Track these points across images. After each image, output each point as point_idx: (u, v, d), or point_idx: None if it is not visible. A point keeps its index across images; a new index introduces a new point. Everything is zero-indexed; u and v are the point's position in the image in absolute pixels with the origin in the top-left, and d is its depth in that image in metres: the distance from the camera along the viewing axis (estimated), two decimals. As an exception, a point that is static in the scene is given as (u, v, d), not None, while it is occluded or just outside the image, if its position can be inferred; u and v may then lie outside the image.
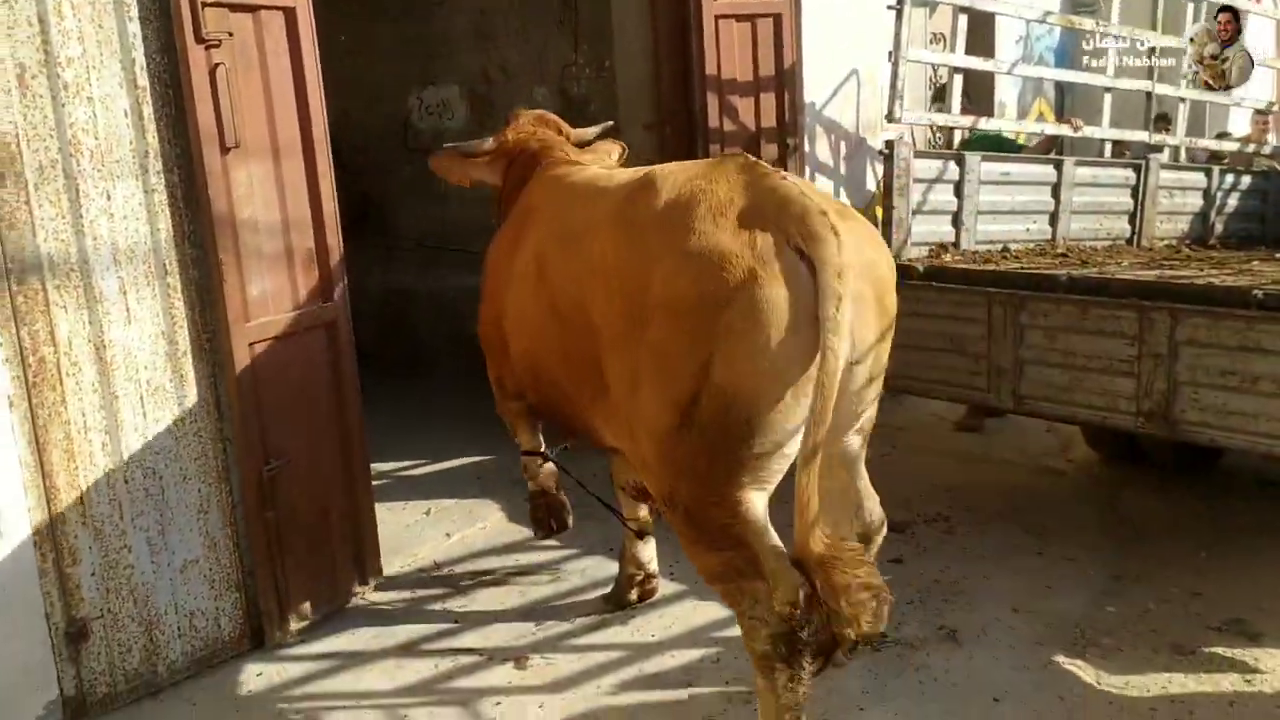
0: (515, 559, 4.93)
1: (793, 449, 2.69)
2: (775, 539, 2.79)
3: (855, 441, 3.12)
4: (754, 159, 2.96)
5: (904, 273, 5.41)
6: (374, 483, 4.75)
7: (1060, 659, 3.87)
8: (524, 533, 4.95)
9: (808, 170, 6.52)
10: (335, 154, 4.32)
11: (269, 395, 4.07)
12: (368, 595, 4.55)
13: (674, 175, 2.96)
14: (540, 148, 4.19)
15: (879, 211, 6.77)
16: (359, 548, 4.54)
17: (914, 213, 5.67)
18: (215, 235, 3.83)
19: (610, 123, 4.70)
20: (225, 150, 3.84)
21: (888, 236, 5.60)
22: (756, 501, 2.79)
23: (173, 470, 3.85)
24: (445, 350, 7.71)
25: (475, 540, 5.16)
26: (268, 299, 4.06)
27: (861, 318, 2.75)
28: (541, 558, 4.84)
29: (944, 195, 5.86)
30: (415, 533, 5.28)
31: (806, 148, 6.52)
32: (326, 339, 4.32)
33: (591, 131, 4.53)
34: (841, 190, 6.98)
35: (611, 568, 4.55)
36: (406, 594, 4.60)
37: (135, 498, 3.74)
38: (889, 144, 5.64)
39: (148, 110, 3.70)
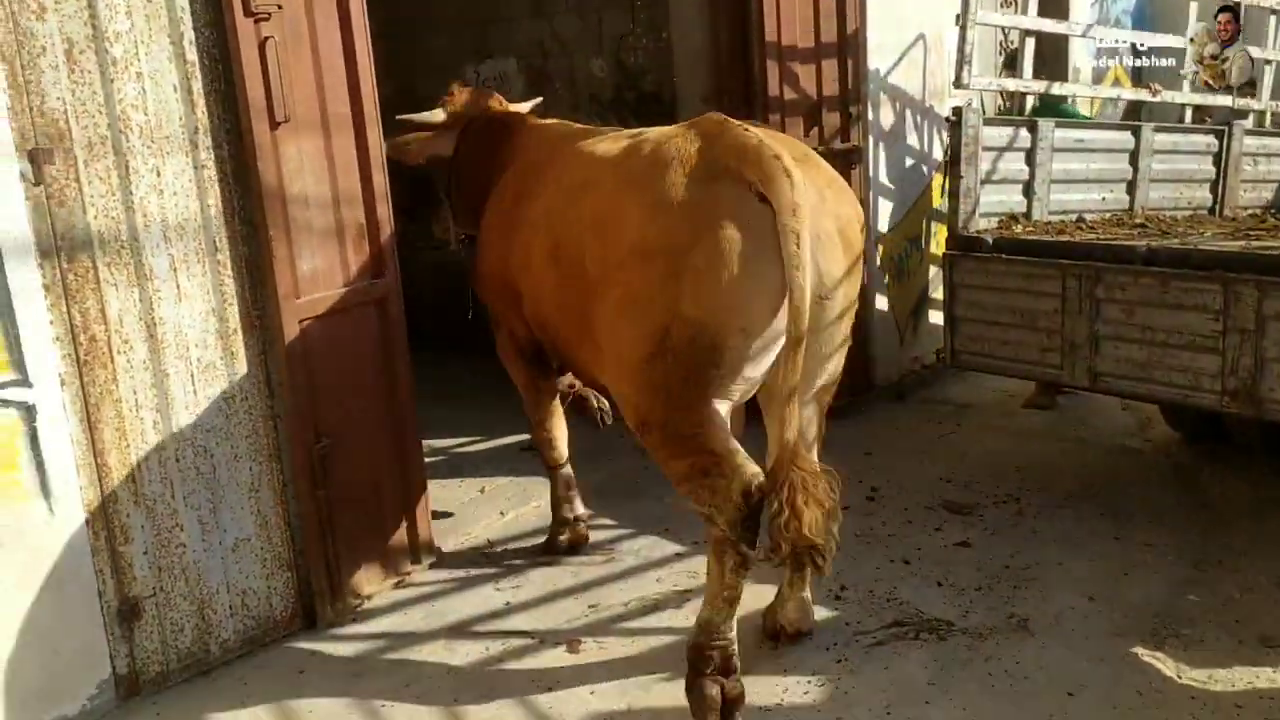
0: (569, 539, 4.85)
1: (756, 371, 3.08)
2: (734, 442, 3.13)
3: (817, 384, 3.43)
4: (725, 117, 3.21)
5: (972, 244, 5.28)
6: (427, 460, 4.71)
7: (1139, 650, 3.69)
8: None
9: (871, 139, 6.31)
10: (390, 130, 4.27)
11: (320, 372, 4.02)
12: (420, 574, 4.51)
13: (655, 137, 3.31)
14: (508, 116, 4.66)
15: (940, 180, 6.57)
16: (411, 526, 4.50)
17: (983, 182, 5.49)
18: (265, 211, 3.79)
19: (540, 99, 5.16)
20: (275, 125, 3.79)
21: (954, 207, 5.44)
22: (720, 411, 3.13)
23: (224, 448, 3.82)
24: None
25: (529, 519, 5.10)
26: (318, 275, 4.01)
27: (827, 254, 3.06)
28: (595, 537, 4.76)
29: (1015, 164, 5.67)
30: (469, 511, 5.24)
31: (870, 116, 6.31)
32: (377, 315, 4.26)
33: (525, 106, 4.92)
34: (905, 160, 6.76)
35: (667, 548, 4.47)
36: (459, 573, 4.55)
37: (186, 476, 3.73)
38: (956, 111, 5.46)
39: (197, 85, 3.65)
